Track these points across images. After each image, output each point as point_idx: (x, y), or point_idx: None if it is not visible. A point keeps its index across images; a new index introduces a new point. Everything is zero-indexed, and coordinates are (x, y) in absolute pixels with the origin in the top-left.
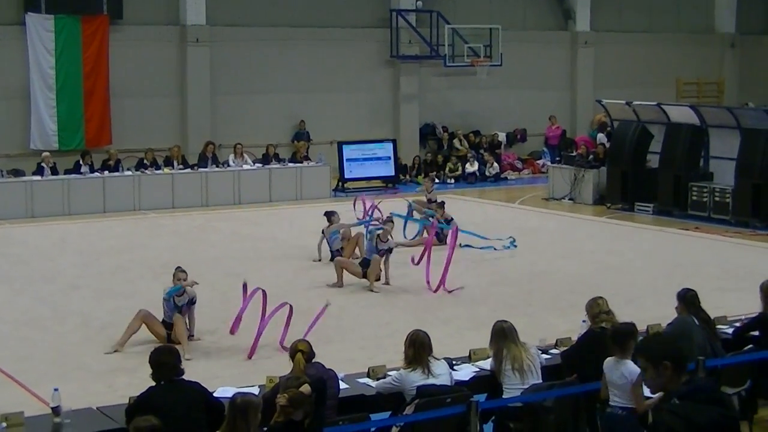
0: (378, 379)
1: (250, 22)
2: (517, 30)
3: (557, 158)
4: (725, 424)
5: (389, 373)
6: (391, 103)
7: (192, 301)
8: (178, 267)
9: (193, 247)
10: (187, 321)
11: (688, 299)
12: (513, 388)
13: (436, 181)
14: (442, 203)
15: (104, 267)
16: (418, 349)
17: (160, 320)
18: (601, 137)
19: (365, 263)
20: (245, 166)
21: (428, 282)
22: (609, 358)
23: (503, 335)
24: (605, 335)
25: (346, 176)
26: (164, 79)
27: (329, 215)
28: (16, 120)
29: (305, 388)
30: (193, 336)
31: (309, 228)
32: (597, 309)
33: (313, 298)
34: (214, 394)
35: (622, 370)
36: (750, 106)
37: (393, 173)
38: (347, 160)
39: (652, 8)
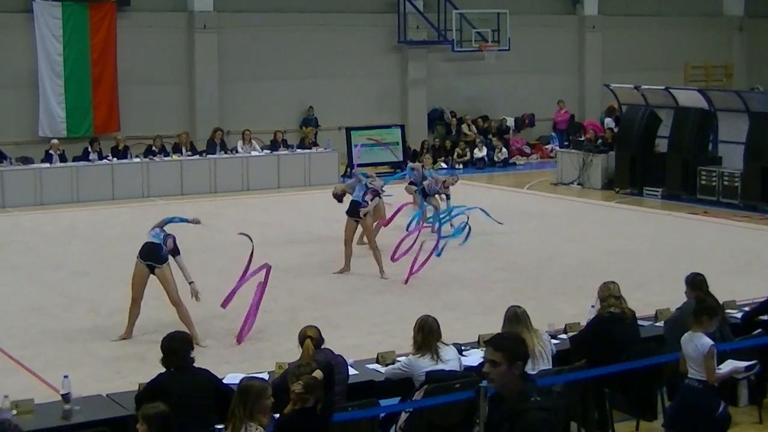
0: (387, 365)
1: (257, 8)
2: (525, 14)
3: (565, 143)
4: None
5: (398, 358)
6: (399, 89)
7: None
8: None
9: (202, 234)
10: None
11: (696, 283)
12: None
13: (444, 166)
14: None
15: (113, 254)
16: (426, 335)
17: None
18: (608, 122)
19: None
20: (253, 153)
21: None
22: (686, 333)
23: (516, 320)
24: (613, 320)
25: (354, 162)
26: (172, 65)
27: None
28: (24, 107)
29: (317, 374)
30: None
31: (317, 214)
32: (607, 292)
33: (321, 283)
34: (224, 381)
35: (696, 342)
36: (759, 90)
37: (402, 159)
38: (355, 145)
39: None
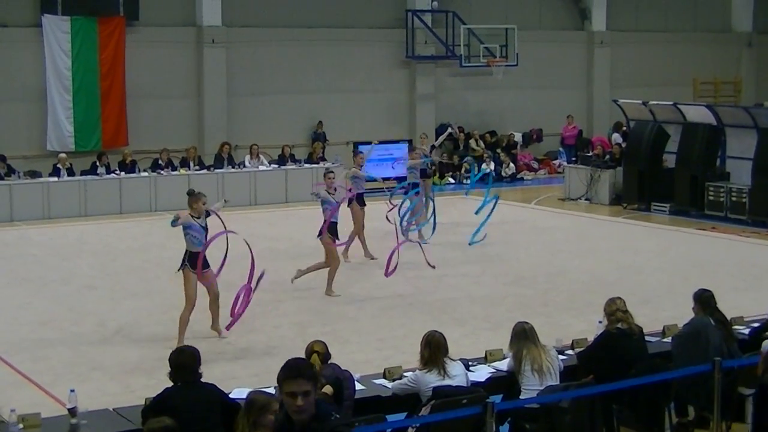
0: (394, 380)
1: (266, 23)
2: (533, 30)
3: (573, 158)
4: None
5: (405, 374)
6: (407, 104)
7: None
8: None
9: (209, 248)
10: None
11: (704, 300)
12: (531, 389)
13: (451, 181)
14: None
15: (121, 268)
16: (434, 350)
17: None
18: (616, 137)
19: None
20: (261, 167)
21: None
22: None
23: (524, 336)
24: (621, 336)
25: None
26: (180, 80)
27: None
28: (32, 121)
29: (327, 389)
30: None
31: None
32: (613, 307)
33: (329, 298)
34: (230, 395)
35: None
36: (767, 106)
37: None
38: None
39: (668, 7)
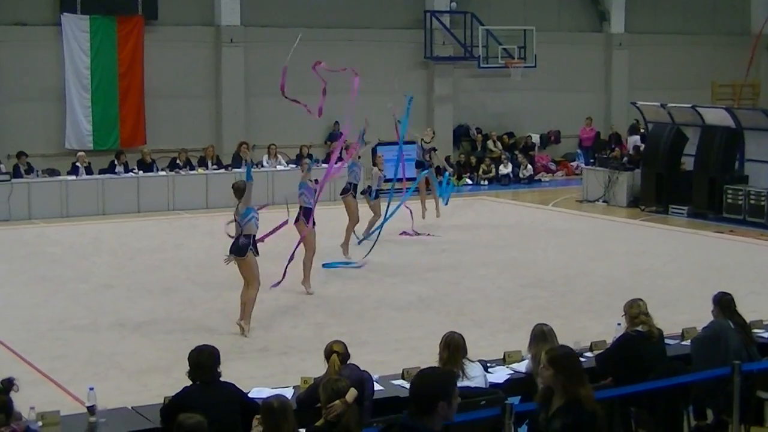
0: None
1: (284, 23)
2: (552, 31)
3: (591, 160)
4: None
5: None
6: (425, 105)
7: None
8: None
9: (227, 247)
10: None
11: (723, 303)
12: None
13: (469, 182)
14: (434, 149)
15: (138, 267)
16: (453, 351)
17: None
18: (634, 139)
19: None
20: (279, 167)
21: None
22: None
23: (543, 338)
24: (641, 339)
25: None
26: (199, 79)
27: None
28: (51, 120)
29: (351, 394)
30: None
31: (342, 228)
32: (636, 310)
33: (347, 299)
34: (249, 395)
35: None
36: None
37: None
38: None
39: (687, 10)
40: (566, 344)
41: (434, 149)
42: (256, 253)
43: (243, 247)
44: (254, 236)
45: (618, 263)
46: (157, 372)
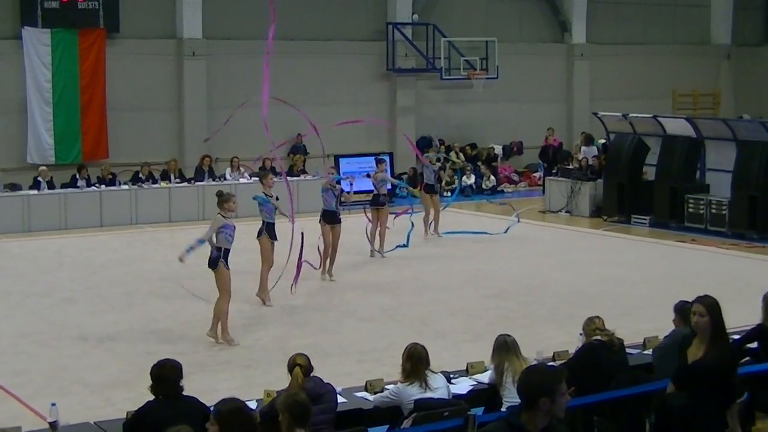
0: (376, 393)
1: (246, 36)
2: (514, 42)
3: (553, 171)
4: None
5: (387, 386)
6: (387, 117)
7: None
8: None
9: (191, 261)
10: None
11: (685, 312)
12: (512, 401)
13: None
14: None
15: (101, 281)
16: (415, 363)
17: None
18: (587, 150)
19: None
20: (242, 180)
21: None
22: None
23: (506, 348)
24: (602, 348)
25: (342, 189)
26: (161, 92)
27: (378, 161)
28: (12, 134)
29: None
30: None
31: (306, 241)
32: (593, 326)
33: (311, 311)
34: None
35: None
36: (746, 118)
37: (389, 187)
38: (344, 173)
39: (647, 20)
40: (527, 356)
41: (442, 167)
42: (227, 266)
43: (214, 260)
44: (226, 249)
45: (581, 273)
46: (120, 386)
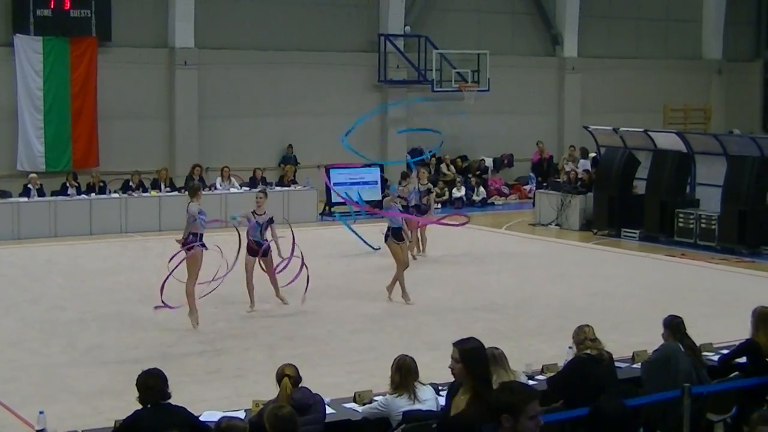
0: (364, 404)
1: (238, 45)
2: (505, 55)
3: (544, 184)
4: None
5: (375, 398)
6: (379, 128)
7: (271, 220)
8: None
9: (180, 270)
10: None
11: (674, 326)
12: None
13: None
14: (429, 190)
15: (91, 289)
16: (404, 375)
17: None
18: (583, 163)
19: None
20: (232, 189)
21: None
22: None
23: (494, 361)
24: (591, 362)
25: (333, 200)
26: (152, 101)
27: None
28: (3, 141)
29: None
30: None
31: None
32: (582, 336)
33: (300, 321)
34: (200, 418)
35: None
36: (736, 133)
37: (380, 197)
38: (334, 184)
39: (639, 34)
40: (516, 369)
41: (429, 190)
42: (204, 247)
43: (190, 244)
44: (201, 234)
45: (570, 286)
46: (108, 395)
